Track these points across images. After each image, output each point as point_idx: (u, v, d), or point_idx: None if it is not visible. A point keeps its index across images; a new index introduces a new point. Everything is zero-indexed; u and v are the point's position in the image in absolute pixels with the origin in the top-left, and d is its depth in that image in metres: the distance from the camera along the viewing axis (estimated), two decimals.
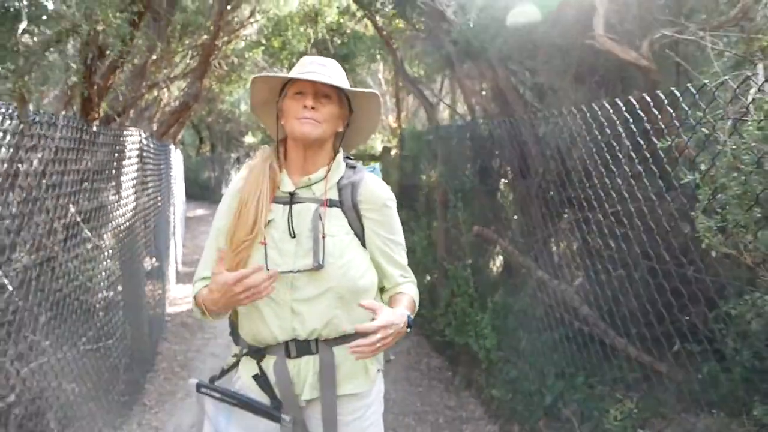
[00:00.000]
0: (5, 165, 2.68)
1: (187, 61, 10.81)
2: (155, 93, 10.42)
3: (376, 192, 1.92)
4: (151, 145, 6.16)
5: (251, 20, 10.32)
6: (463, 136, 5.10)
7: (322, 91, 1.83)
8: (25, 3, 4.28)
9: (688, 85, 2.30)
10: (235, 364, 1.97)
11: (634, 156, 2.78)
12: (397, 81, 9.31)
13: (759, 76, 2.07)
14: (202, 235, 13.17)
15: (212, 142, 27.14)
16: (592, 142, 3.09)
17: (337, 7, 8.59)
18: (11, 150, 2.59)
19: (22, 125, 2.63)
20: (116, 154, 4.54)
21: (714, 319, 2.73)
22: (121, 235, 4.57)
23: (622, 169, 2.97)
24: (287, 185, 1.89)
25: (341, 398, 1.88)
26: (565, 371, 3.50)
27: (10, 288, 2.81)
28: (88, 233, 3.98)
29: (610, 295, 3.19)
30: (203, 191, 22.99)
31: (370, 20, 7.11)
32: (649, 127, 2.55)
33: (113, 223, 4.36)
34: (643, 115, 2.58)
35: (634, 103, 2.66)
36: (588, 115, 3.10)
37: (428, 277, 5.91)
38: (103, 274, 4.14)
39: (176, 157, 11.52)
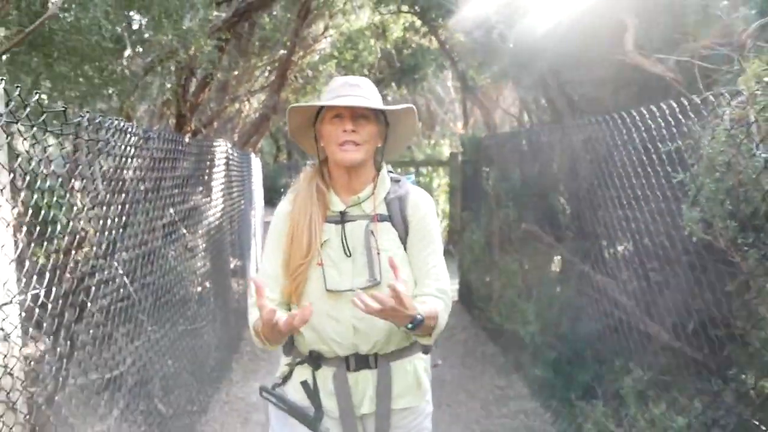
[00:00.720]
0: (129, 173, 3.32)
1: (266, 75, 11.61)
2: (237, 106, 11.27)
3: (421, 203, 1.97)
4: (235, 155, 6.86)
5: (325, 35, 11.03)
6: (514, 143, 5.55)
7: (359, 112, 1.85)
8: (126, 34, 5.02)
9: (682, 99, 2.71)
10: (290, 373, 1.99)
11: (656, 160, 3.16)
12: (463, 90, 9.80)
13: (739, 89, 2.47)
14: None
15: (289, 150, 28.24)
16: (624, 147, 3.46)
17: (403, 24, 9.15)
18: (135, 160, 3.21)
19: (141, 140, 3.25)
20: (207, 163, 5.21)
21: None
22: (211, 234, 5.24)
23: (649, 171, 3.35)
24: (337, 204, 1.93)
25: (394, 412, 1.94)
26: (602, 355, 3.89)
27: (124, 276, 3.43)
28: (184, 230, 4.65)
29: (647, 288, 3.53)
30: (280, 197, 23.90)
31: (433, 35, 7.64)
32: (656, 135, 2.96)
33: (204, 223, 5.03)
34: (651, 123, 2.99)
35: (643, 113, 3.07)
36: (619, 122, 3.50)
37: (486, 275, 6.37)
38: (198, 265, 4.81)
39: (256, 165, 12.32)
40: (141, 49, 5.37)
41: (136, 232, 3.45)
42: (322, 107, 1.90)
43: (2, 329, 1.87)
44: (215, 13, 5.89)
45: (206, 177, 5.15)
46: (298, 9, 8.67)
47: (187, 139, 4.73)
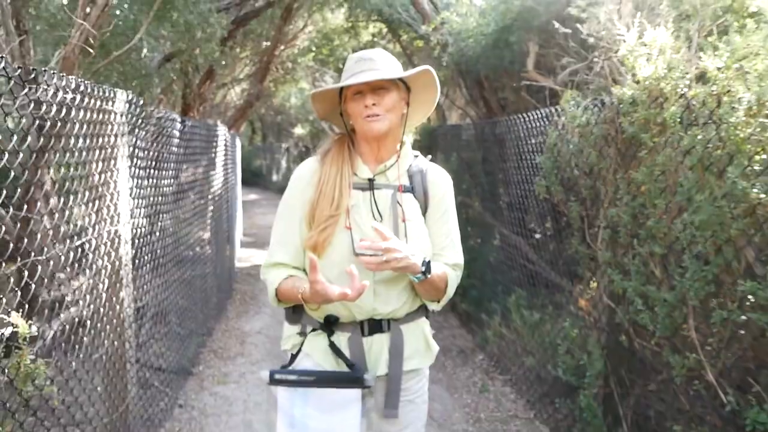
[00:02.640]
0: (156, 146, 4.66)
1: (249, 65, 12.83)
2: (223, 92, 12.52)
3: (440, 181, 2.04)
4: (228, 136, 8.21)
5: (304, 31, 12.32)
6: (453, 133, 7.03)
7: (377, 85, 1.89)
8: (143, 37, 6.34)
9: (547, 107, 4.18)
10: (301, 345, 2.00)
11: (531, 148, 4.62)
12: None
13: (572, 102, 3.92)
14: (256, 216, 15.30)
15: (264, 133, 29.37)
16: (515, 139, 4.93)
17: (371, 32, 10.53)
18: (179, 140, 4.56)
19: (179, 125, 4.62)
20: (210, 142, 6.56)
21: None
22: (216, 201, 6.61)
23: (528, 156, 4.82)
24: (365, 172, 1.97)
25: (404, 373, 1.99)
26: (502, 286, 5.37)
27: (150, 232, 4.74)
28: (202, 199, 6.01)
29: (525, 233, 5.01)
30: (255, 177, 24.99)
31: (397, 41, 9.05)
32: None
33: (212, 191, 6.40)
34: (529, 124, 4.46)
35: (524, 117, 4.54)
36: (512, 121, 4.94)
37: None
38: (203, 227, 6.18)
39: (239, 146, 13.63)
40: (154, 51, 6.68)
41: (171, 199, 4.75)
42: (342, 88, 1.95)
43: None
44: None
45: (213, 154, 6.51)
46: (282, 10, 9.94)
47: (210, 123, 6.08)
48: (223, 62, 8.26)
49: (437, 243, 2.00)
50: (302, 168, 2.03)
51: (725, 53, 2.47)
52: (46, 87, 2.07)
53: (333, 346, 1.92)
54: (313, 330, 1.98)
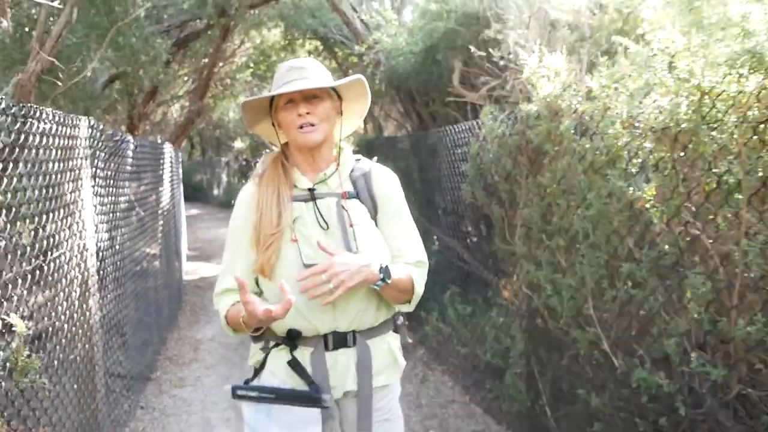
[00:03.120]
0: (113, 166, 4.95)
1: (187, 82, 13.05)
2: (163, 109, 12.69)
3: (385, 180, 2.02)
4: (173, 153, 8.47)
5: (241, 47, 12.63)
6: (389, 144, 7.49)
7: (310, 93, 1.87)
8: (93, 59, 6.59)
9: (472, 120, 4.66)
10: (264, 360, 1.96)
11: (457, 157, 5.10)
12: None
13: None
14: (200, 230, 15.45)
15: (203, 147, 29.32)
16: (444, 149, 5.40)
17: (307, 49, 10.94)
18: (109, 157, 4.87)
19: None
20: (158, 160, 6.83)
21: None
22: (165, 216, 6.88)
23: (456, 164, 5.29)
24: (304, 183, 1.94)
25: (375, 390, 1.94)
26: (441, 284, 5.83)
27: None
28: (141, 212, 6.28)
29: (459, 235, 5.49)
30: (196, 192, 24.81)
31: (332, 58, 9.49)
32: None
33: (160, 207, 6.67)
34: (455, 136, 4.94)
35: (451, 129, 5.02)
36: (440, 133, 5.41)
37: None
38: (154, 241, 6.44)
39: (179, 161, 13.79)
40: (101, 71, 6.94)
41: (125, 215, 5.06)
42: (273, 97, 1.92)
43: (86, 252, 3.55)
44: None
45: (161, 171, 6.79)
46: (220, 29, 10.24)
47: (157, 142, 6.36)
48: (166, 81, 8.50)
49: (394, 244, 1.98)
50: (242, 194, 2.01)
51: (606, 75, 2.97)
52: (31, 120, 2.40)
53: (292, 363, 1.88)
54: (276, 345, 1.93)
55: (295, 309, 1.74)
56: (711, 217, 2.42)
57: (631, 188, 2.72)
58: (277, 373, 1.92)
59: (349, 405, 1.95)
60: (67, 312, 3.15)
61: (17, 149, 2.48)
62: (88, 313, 3.42)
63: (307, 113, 1.86)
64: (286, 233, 1.87)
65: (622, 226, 2.82)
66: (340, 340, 1.89)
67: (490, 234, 4.60)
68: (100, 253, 3.81)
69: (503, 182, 4.00)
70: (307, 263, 1.81)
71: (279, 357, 1.92)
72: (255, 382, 1.96)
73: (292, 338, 1.89)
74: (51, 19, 5.18)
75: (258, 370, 1.97)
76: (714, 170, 2.36)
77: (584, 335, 3.08)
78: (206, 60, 10.96)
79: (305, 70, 1.90)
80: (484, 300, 4.78)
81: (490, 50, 4.50)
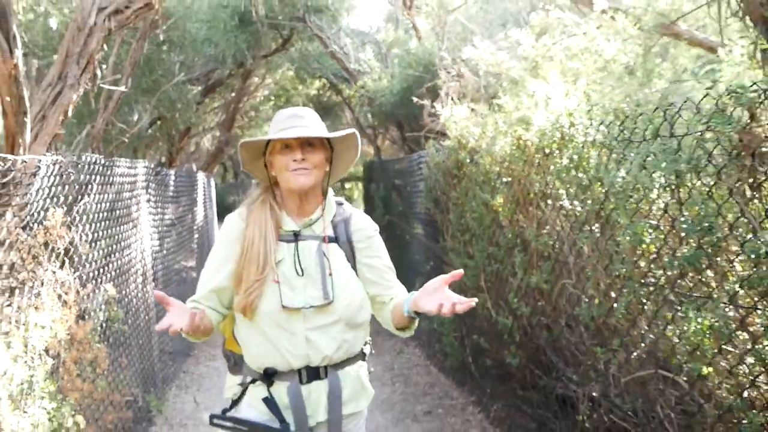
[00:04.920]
0: (154, 192, 6.56)
1: (217, 115, 14.72)
2: (197, 141, 14.38)
3: (365, 225, 2.11)
4: (204, 179, 10.10)
5: (263, 85, 14.28)
6: (381, 166, 9.05)
7: (306, 141, 1.95)
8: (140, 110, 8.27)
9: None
10: (243, 393, 2.05)
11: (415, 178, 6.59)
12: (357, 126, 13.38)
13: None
14: None
15: (235, 171, 31.21)
16: (411, 172, 6.89)
17: (317, 86, 12.59)
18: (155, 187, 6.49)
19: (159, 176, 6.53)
20: (192, 186, 8.44)
21: None
22: (196, 231, 8.47)
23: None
24: (290, 225, 2.01)
25: (344, 417, 2.01)
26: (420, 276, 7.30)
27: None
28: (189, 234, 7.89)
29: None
30: (228, 212, 26.12)
31: (337, 93, 11.12)
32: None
33: (192, 224, 8.26)
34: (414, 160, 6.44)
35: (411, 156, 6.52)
36: (408, 159, 6.89)
37: None
38: (190, 252, 8.03)
39: (213, 186, 15.51)
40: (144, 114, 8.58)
41: (168, 230, 6.67)
42: (269, 140, 1.97)
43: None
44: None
45: (195, 195, 8.41)
46: (240, 76, 11.86)
47: (192, 170, 7.97)
48: (197, 122, 10.13)
49: (382, 279, 2.08)
50: (227, 225, 2.07)
51: (489, 120, 4.47)
52: (113, 166, 4.00)
53: (267, 401, 1.96)
54: (253, 381, 2.02)
55: (271, 345, 1.93)
56: (529, 214, 3.90)
57: (492, 199, 4.20)
58: (256, 407, 2.01)
59: (322, 430, 2.01)
60: (134, 291, 4.73)
61: (107, 184, 4.07)
62: (147, 296, 5.00)
63: (303, 159, 1.94)
64: (269, 275, 1.94)
65: (491, 224, 4.30)
66: (313, 373, 1.97)
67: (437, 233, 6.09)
68: (153, 255, 5.40)
69: (442, 196, 5.50)
70: (286, 305, 1.92)
71: (257, 392, 2.01)
72: (232, 413, 2.05)
73: (269, 375, 1.97)
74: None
75: (235, 402, 2.08)
76: (528, 186, 3.85)
77: (483, 297, 4.54)
78: (233, 94, 12.62)
79: (304, 119, 1.99)
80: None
81: (429, 99, 6.02)
